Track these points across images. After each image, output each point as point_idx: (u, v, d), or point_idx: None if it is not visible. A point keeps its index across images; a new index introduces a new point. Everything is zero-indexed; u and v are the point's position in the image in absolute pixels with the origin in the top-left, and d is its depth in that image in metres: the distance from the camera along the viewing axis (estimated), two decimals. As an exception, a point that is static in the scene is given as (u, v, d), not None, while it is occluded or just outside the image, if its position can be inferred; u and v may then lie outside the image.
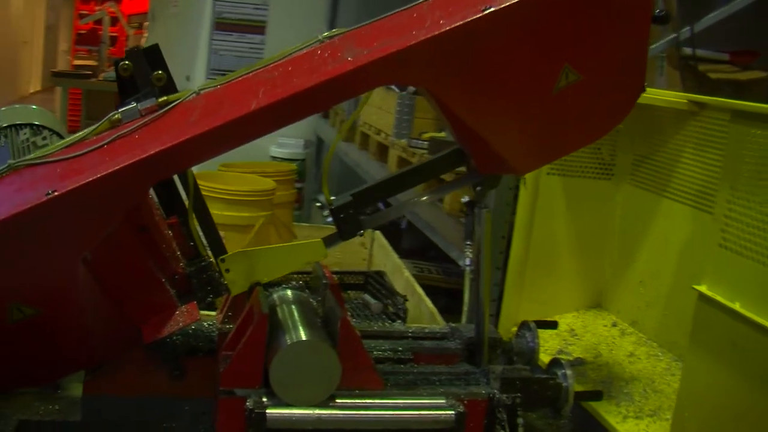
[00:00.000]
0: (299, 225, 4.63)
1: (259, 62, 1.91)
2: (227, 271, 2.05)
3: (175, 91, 1.92)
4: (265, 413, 1.95)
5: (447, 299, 4.92)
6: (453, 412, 2.06)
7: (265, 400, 1.98)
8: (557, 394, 2.24)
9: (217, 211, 3.77)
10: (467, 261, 3.60)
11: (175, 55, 8.03)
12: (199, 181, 3.79)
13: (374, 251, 4.38)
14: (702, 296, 2.09)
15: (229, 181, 3.99)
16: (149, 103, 1.87)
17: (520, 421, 2.17)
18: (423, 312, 3.36)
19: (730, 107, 2.17)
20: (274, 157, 7.22)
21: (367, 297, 3.26)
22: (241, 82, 1.89)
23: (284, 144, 7.30)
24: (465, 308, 3.53)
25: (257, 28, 7.45)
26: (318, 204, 7.04)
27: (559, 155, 2.19)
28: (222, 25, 7.43)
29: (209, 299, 2.14)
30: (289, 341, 2.00)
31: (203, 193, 3.79)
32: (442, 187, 2.37)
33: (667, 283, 2.80)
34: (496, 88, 1.91)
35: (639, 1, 1.94)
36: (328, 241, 2.13)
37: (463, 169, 2.25)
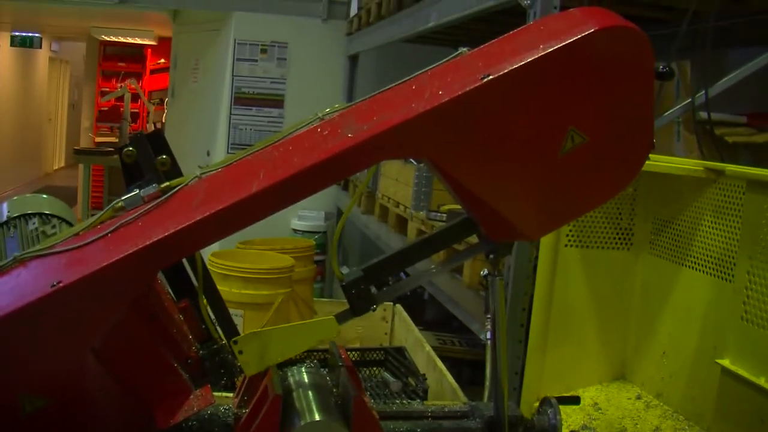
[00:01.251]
0: (320, 300, 4.63)
1: (260, 143, 1.92)
2: (240, 352, 2.01)
3: (180, 175, 1.93)
4: (281, 500, 1.92)
5: (472, 371, 4.90)
6: (471, 496, 2.02)
7: (280, 485, 1.95)
8: None
9: (236, 290, 3.81)
10: (488, 334, 3.60)
11: (196, 131, 8.15)
12: (216, 260, 3.85)
13: (395, 325, 4.37)
14: (725, 371, 2.08)
15: (248, 259, 3.99)
16: (152, 189, 1.88)
17: (539, 501, 2.13)
18: (445, 388, 3.34)
19: (745, 176, 2.15)
20: (295, 230, 7.26)
21: (386, 375, 3.24)
22: (242, 164, 1.89)
23: (304, 217, 7.35)
24: (487, 383, 3.51)
25: (276, 102, 7.56)
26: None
27: (570, 218, 2.18)
28: (241, 99, 7.53)
29: (223, 382, 2.10)
30: (302, 422, 1.98)
31: (221, 271, 3.85)
32: (455, 256, 2.33)
33: (691, 354, 2.75)
34: (500, 155, 1.90)
35: (640, 58, 1.91)
36: (341, 318, 2.10)
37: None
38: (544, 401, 2.47)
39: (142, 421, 2.09)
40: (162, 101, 10.66)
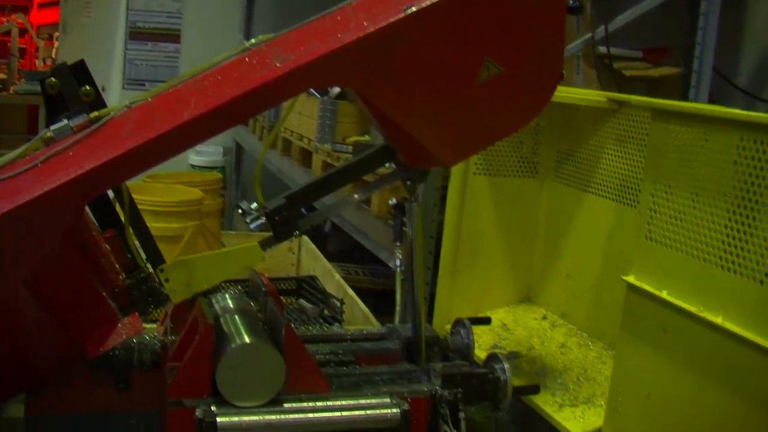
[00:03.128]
0: (227, 233, 4.62)
1: (186, 73, 1.92)
2: (167, 280, 2.05)
3: (104, 106, 1.91)
4: (215, 422, 1.97)
5: (376, 301, 4.97)
6: (398, 410, 2.10)
7: (214, 408, 2.00)
8: (496, 388, 2.30)
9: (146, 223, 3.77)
10: (397, 262, 3.68)
11: (90, 67, 7.88)
12: (126, 194, 3.79)
13: (302, 256, 4.40)
14: (630, 286, 2.17)
15: (156, 193, 3.97)
16: (81, 119, 1.85)
17: (462, 415, 2.22)
18: (356, 314, 3.40)
19: (650, 106, 2.26)
20: (193, 166, 7.15)
21: (302, 302, 3.29)
22: (172, 93, 1.89)
23: (203, 152, 7.26)
24: (398, 308, 3.60)
25: (172, 36, 7.40)
26: (240, 211, 6.98)
27: (483, 146, 2.30)
28: (136, 34, 7.37)
29: (150, 310, 2.14)
30: (234, 345, 2.03)
31: (130, 205, 3.79)
32: (372, 183, 2.40)
33: (594, 275, 2.88)
34: (422, 85, 1.96)
35: None
36: (265, 244, 2.15)
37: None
38: (457, 322, 2.59)
39: (70, 354, 2.12)
40: (51, 36, 10.29)
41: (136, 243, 2.10)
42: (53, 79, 1.88)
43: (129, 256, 2.08)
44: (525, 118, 2.19)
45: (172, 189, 4.08)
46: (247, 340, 2.06)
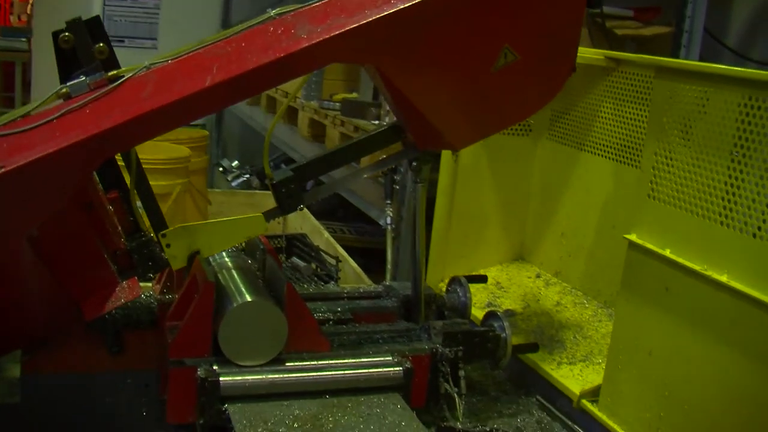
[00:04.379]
0: (212, 191, 4.59)
1: (209, 37, 1.88)
2: (168, 246, 2.02)
3: (117, 65, 1.85)
4: (218, 381, 1.96)
5: (363, 259, 4.98)
6: (401, 368, 2.10)
7: (216, 368, 1.99)
8: (496, 346, 2.31)
9: (132, 180, 3.72)
10: (388, 220, 3.68)
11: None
12: (112, 151, 3.74)
13: (297, 220, 4.38)
14: (633, 245, 2.16)
15: (143, 150, 3.88)
16: (98, 77, 1.80)
17: (461, 373, 2.23)
18: (348, 272, 3.40)
19: (654, 63, 2.24)
20: None
21: (295, 260, 3.27)
22: (194, 57, 1.85)
23: None
24: (388, 266, 3.60)
25: (151, -9, 7.28)
26: (221, 169, 6.98)
27: (493, 131, 2.25)
28: (114, -11, 7.22)
29: (150, 275, 2.11)
30: (236, 303, 2.01)
31: (120, 163, 3.74)
32: (379, 161, 2.39)
33: (589, 234, 2.87)
34: (442, 67, 1.97)
35: None
36: (269, 215, 2.14)
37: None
38: (454, 280, 2.60)
39: (68, 313, 2.09)
40: (26, -9, 10.09)
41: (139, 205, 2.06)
42: (68, 33, 1.82)
43: (132, 218, 2.04)
44: (535, 106, 2.21)
45: (159, 146, 4.02)
46: (248, 298, 2.04)
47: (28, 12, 9.62)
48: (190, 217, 4.17)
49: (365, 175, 2.49)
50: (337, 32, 1.80)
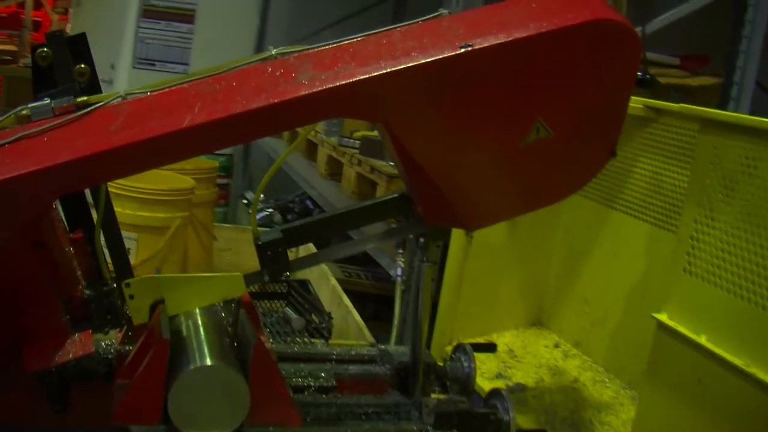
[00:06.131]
0: (220, 226, 4.34)
1: (198, 72, 1.66)
2: (131, 297, 1.81)
3: (98, 90, 1.65)
4: (162, 456, 1.70)
5: (377, 306, 4.71)
6: (381, 454, 1.83)
7: (163, 439, 1.74)
8: (498, 431, 2.03)
9: (129, 211, 3.49)
10: (398, 271, 3.40)
11: (100, 42, 7.71)
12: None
13: (300, 254, 4.13)
14: (662, 326, 1.91)
15: (144, 179, 3.66)
16: (66, 101, 1.59)
17: (455, 463, 1.97)
18: (350, 325, 3.15)
19: (699, 115, 1.95)
20: None
21: (288, 311, 3.00)
22: (176, 92, 1.63)
23: None
24: (395, 322, 3.31)
25: (186, 16, 7.18)
26: (245, 201, 6.78)
27: (512, 215, 2.06)
28: (150, 12, 7.16)
29: (107, 330, 1.90)
30: (191, 366, 1.73)
31: (114, 190, 3.48)
32: (383, 234, 2.13)
33: (616, 303, 2.62)
34: (461, 134, 1.72)
35: (627, 61, 1.74)
36: (250, 279, 1.91)
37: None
38: (458, 347, 2.33)
39: (7, 358, 1.85)
40: (66, 10, 10.08)
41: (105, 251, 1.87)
42: (46, 49, 1.62)
43: (94, 264, 1.84)
44: (564, 192, 1.94)
45: (162, 175, 3.78)
46: (207, 361, 1.76)
47: (67, 30, 9.61)
48: (192, 253, 3.93)
49: (364, 248, 2.21)
50: (344, 82, 1.56)
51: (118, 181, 3.50)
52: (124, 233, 3.56)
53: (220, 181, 6.94)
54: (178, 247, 3.66)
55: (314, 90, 1.56)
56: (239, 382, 1.75)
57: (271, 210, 6.34)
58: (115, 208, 3.58)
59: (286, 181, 5.91)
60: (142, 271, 1.96)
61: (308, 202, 6.05)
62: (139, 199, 3.49)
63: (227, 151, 7.24)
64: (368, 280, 4.79)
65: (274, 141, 6.04)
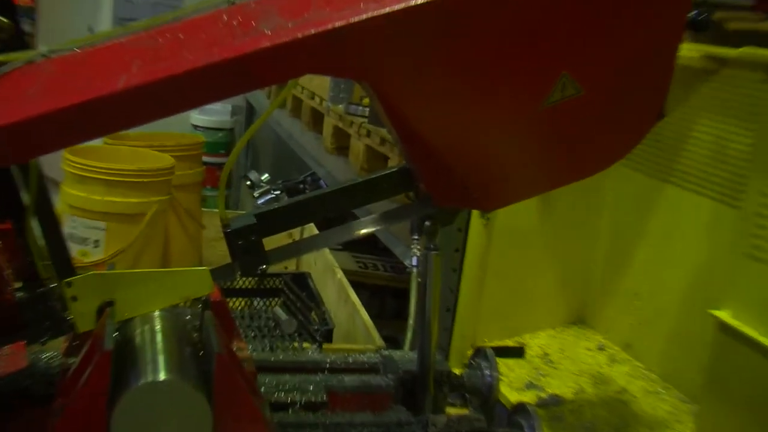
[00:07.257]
0: (211, 212, 4.27)
1: (139, 22, 1.57)
2: (74, 299, 1.74)
3: (24, 48, 1.57)
4: (102, 489, 1.64)
5: (397, 302, 4.66)
6: (373, 492, 1.78)
7: (106, 470, 1.68)
8: None
9: (96, 196, 3.40)
10: (414, 261, 3.30)
11: (75, 1, 7.75)
12: (74, 158, 3.42)
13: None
14: (723, 326, 1.83)
15: (115, 158, 3.59)
16: None
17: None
18: (357, 326, 3.10)
19: (764, 61, 1.85)
20: (196, 126, 7.09)
21: (278, 311, 2.94)
22: (111, 48, 1.53)
23: (208, 110, 7.18)
24: (410, 322, 3.23)
25: (176, -33, 7.23)
26: (248, 183, 6.77)
27: (534, 194, 1.93)
28: (132, -36, 7.18)
29: (44, 340, 1.83)
30: (141, 382, 1.65)
31: (77, 172, 3.42)
32: (381, 217, 2.04)
33: (672, 297, 2.55)
34: (466, 90, 1.62)
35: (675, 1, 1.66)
36: (219, 275, 1.85)
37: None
38: (478, 352, 2.30)
39: None
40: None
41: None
42: None
43: (28, 260, 1.78)
44: (599, 164, 1.86)
45: (137, 153, 3.71)
46: (160, 375, 1.68)
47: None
48: (174, 243, 3.86)
49: (361, 233, 2.11)
50: (318, 31, 1.46)
51: (81, 160, 3.43)
52: (91, 222, 3.48)
53: (218, 159, 6.93)
54: (156, 237, 3.59)
55: (279, 41, 1.46)
56: (198, 399, 1.66)
57: (278, 192, 6.30)
58: (79, 193, 3.51)
59: (291, 157, 5.84)
60: (116, 268, 1.91)
61: (322, 182, 6.00)
62: (106, 182, 3.40)
63: (227, 125, 7.24)
64: (387, 272, 4.74)
65: (277, 111, 5.99)
